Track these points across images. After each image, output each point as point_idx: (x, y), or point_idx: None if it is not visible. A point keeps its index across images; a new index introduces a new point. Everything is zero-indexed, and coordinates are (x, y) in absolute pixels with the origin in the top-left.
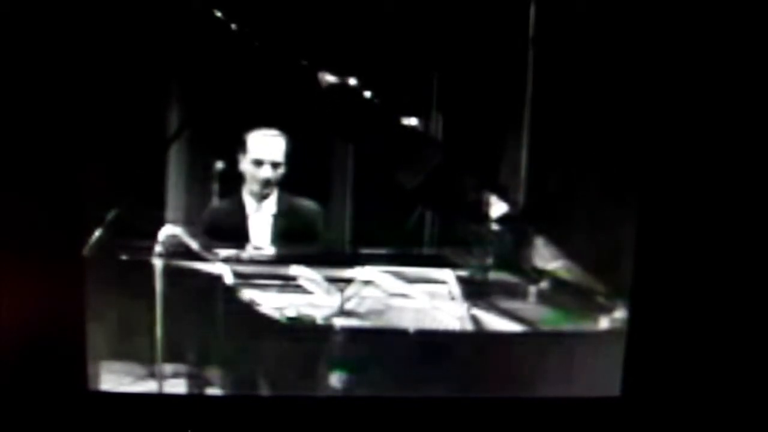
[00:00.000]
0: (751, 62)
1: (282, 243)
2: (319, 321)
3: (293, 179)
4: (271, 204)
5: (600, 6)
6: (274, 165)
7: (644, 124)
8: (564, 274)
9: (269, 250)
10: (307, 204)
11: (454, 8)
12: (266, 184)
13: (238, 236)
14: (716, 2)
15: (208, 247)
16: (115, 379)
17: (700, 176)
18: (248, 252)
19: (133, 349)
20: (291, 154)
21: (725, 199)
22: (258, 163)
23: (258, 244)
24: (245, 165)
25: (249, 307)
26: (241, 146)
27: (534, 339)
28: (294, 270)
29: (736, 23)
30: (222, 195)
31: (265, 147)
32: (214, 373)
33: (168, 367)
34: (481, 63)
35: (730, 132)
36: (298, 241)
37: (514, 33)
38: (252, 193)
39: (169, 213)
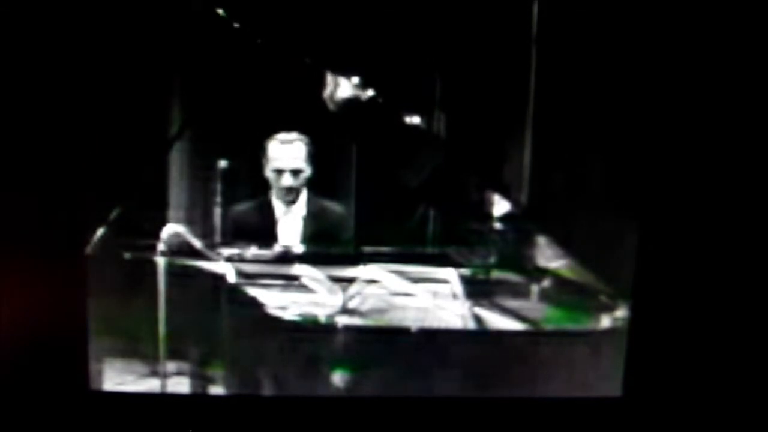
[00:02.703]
0: (752, 63)
1: (310, 245)
2: (322, 320)
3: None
4: (300, 206)
5: (603, 6)
6: (295, 172)
7: (647, 123)
8: (566, 274)
9: (281, 249)
10: (336, 206)
11: (458, 8)
12: (289, 191)
13: (267, 238)
14: (718, 2)
15: (226, 244)
16: (118, 377)
17: (702, 176)
18: (251, 251)
19: (136, 348)
20: (314, 157)
21: (727, 199)
22: (279, 171)
23: (286, 245)
24: (268, 172)
25: (252, 306)
26: (262, 153)
27: (536, 338)
28: (297, 269)
29: (739, 24)
30: (242, 195)
31: (284, 155)
32: (216, 371)
33: (170, 366)
34: (484, 62)
35: (731, 132)
36: (326, 243)
37: (517, 32)
38: (279, 198)
39: (172, 212)
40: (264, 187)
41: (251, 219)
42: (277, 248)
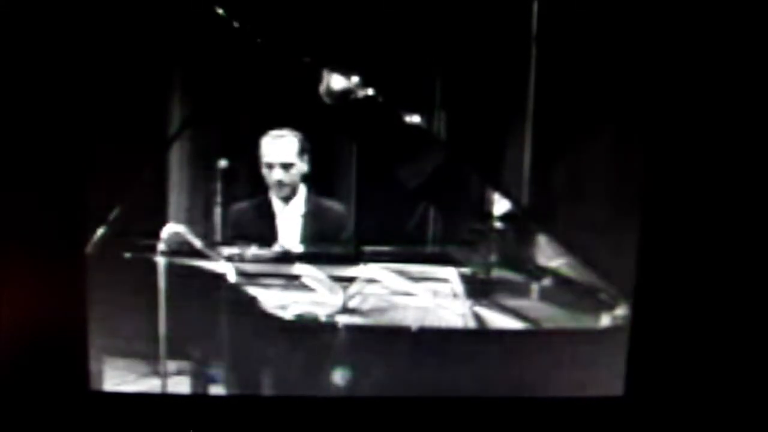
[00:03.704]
0: (752, 62)
1: (310, 243)
2: (322, 319)
3: (315, 179)
4: (298, 204)
5: (603, 4)
6: (285, 166)
7: (646, 122)
8: (566, 272)
9: (281, 248)
10: (335, 204)
11: (458, 6)
12: (280, 185)
13: (267, 237)
14: (718, 2)
15: (227, 244)
16: (118, 376)
17: (702, 174)
18: (252, 250)
19: (136, 347)
20: (310, 153)
21: (728, 197)
22: (270, 166)
23: (286, 245)
24: (262, 169)
25: (252, 306)
26: (257, 150)
27: (536, 337)
28: (297, 268)
29: (739, 23)
30: (242, 194)
31: (273, 149)
32: (216, 370)
33: (171, 365)
34: (485, 61)
35: (731, 131)
36: (326, 241)
37: (517, 31)
38: (275, 195)
39: (172, 211)
40: (264, 186)
41: (250, 218)
42: (277, 248)
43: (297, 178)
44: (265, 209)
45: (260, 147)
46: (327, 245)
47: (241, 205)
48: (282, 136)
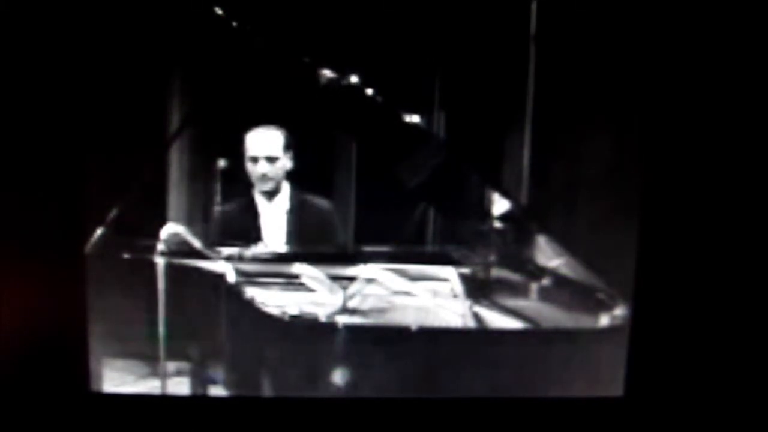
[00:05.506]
0: (752, 62)
1: (295, 240)
2: (322, 319)
3: (299, 176)
4: (282, 201)
5: (602, 4)
6: (270, 159)
7: (646, 121)
8: (566, 272)
9: (280, 248)
10: (320, 201)
11: (457, 5)
12: (264, 179)
13: (251, 235)
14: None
15: (215, 245)
16: (118, 377)
17: (701, 174)
18: (251, 250)
19: (136, 348)
20: (294, 150)
21: (728, 196)
22: (254, 160)
23: (271, 242)
24: (246, 164)
25: (251, 306)
26: (241, 146)
27: (536, 337)
28: (297, 268)
29: (739, 22)
30: (227, 194)
31: (258, 143)
32: (216, 371)
33: (170, 366)
34: (484, 60)
35: (731, 132)
36: (311, 238)
37: (516, 30)
38: (260, 191)
39: (171, 211)
40: (247, 184)
41: (234, 217)
42: (261, 246)
43: (281, 173)
44: (249, 207)
45: (245, 142)
46: (325, 245)
47: (226, 206)
48: (266, 130)
